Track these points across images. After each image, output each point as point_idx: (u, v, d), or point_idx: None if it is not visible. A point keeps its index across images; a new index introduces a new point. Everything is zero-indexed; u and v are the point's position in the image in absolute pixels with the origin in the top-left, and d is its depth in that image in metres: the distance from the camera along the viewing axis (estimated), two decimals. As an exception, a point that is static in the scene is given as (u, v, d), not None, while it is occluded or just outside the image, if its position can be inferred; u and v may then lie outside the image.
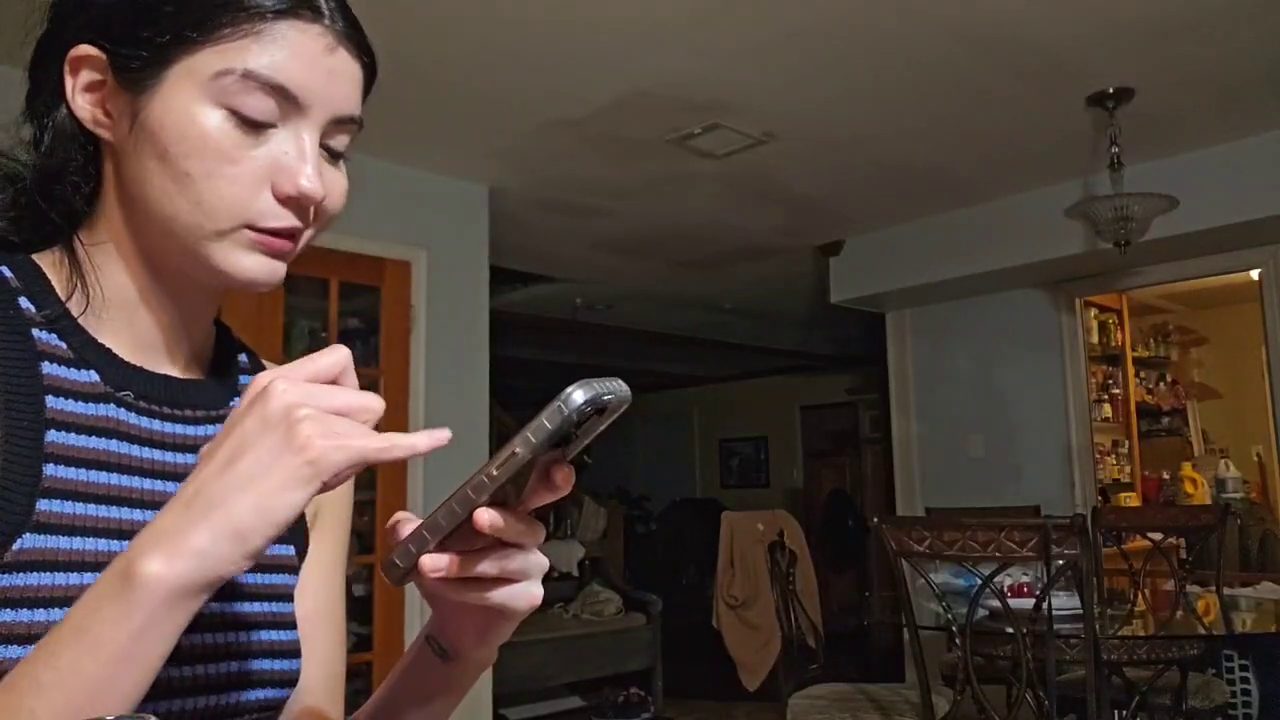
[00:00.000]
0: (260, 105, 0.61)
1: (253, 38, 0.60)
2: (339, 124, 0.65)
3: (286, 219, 0.63)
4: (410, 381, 3.68)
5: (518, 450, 0.51)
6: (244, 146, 0.61)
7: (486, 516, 0.53)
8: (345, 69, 0.65)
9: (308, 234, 0.66)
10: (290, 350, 3.51)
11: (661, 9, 2.63)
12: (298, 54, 0.61)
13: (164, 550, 0.49)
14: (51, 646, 0.50)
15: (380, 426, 0.55)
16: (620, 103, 3.23)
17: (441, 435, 0.53)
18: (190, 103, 0.61)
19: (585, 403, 0.50)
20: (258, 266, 0.64)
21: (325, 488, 0.51)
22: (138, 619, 0.49)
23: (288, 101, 0.62)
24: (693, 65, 2.97)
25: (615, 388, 0.52)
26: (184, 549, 0.49)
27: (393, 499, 3.51)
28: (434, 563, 0.55)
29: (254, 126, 0.61)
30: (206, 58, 0.60)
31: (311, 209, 0.64)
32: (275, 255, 0.64)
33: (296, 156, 0.62)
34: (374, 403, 0.53)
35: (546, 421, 0.50)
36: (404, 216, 3.73)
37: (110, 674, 0.49)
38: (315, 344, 3.60)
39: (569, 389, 0.50)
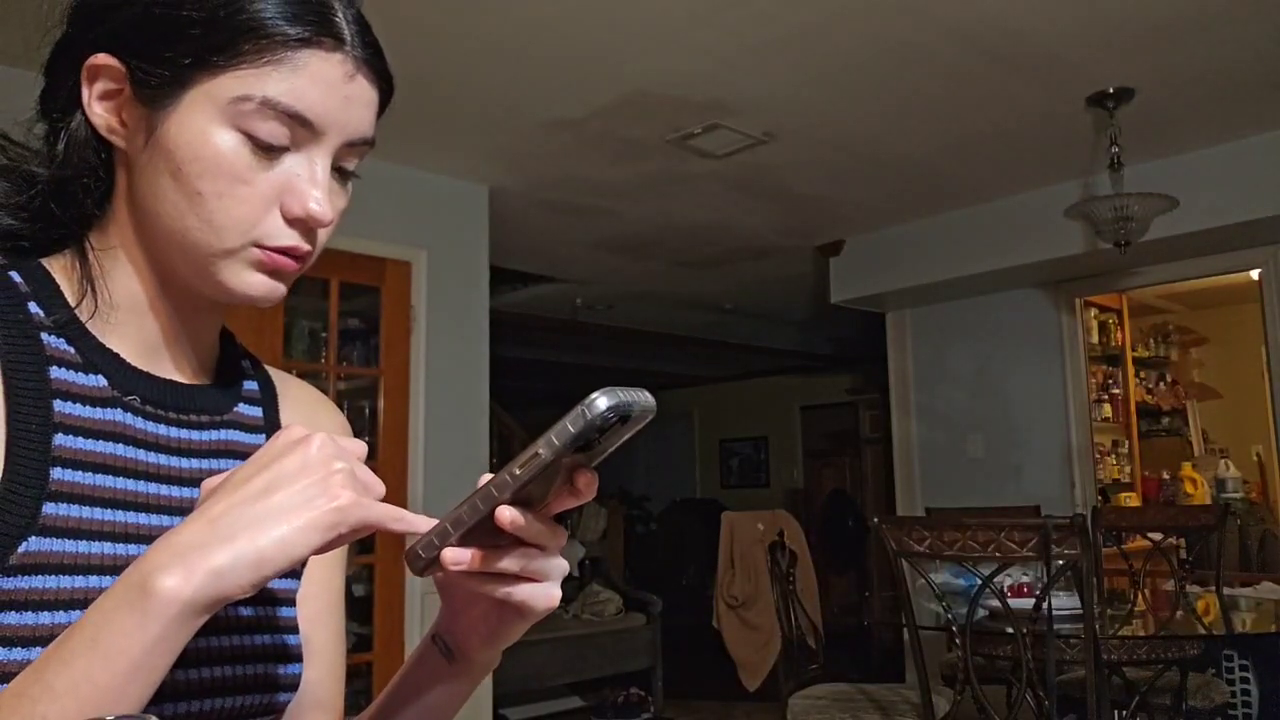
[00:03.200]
0: (276, 130, 0.61)
1: (273, 65, 0.61)
2: (351, 146, 0.66)
3: (292, 239, 0.64)
4: (410, 381, 3.68)
5: (540, 451, 0.52)
6: (257, 168, 0.62)
7: (508, 514, 0.54)
8: (362, 95, 0.65)
9: (311, 258, 0.67)
10: (290, 350, 3.51)
11: (661, 9, 2.63)
12: (317, 82, 0.62)
13: (182, 566, 0.51)
14: (64, 654, 0.51)
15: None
16: (620, 103, 3.23)
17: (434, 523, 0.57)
18: (206, 124, 0.61)
19: (609, 409, 0.51)
20: (260, 285, 0.65)
21: (335, 542, 0.54)
22: (152, 631, 0.50)
23: (303, 127, 0.62)
24: (693, 65, 2.97)
25: (640, 398, 0.53)
26: (202, 567, 0.51)
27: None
28: (456, 556, 0.56)
29: (268, 150, 0.62)
30: (226, 82, 0.61)
31: (319, 231, 0.65)
32: (278, 275, 0.65)
33: (308, 180, 0.63)
34: (380, 487, 0.57)
35: (570, 425, 0.51)
36: (404, 216, 3.73)
37: (121, 683, 0.50)
38: (315, 344, 3.60)
39: (594, 395, 0.51)
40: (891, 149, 3.74)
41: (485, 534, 0.56)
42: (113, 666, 0.50)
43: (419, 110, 3.24)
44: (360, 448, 0.58)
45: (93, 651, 0.50)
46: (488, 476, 0.55)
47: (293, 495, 0.53)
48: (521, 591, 0.59)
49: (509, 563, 0.58)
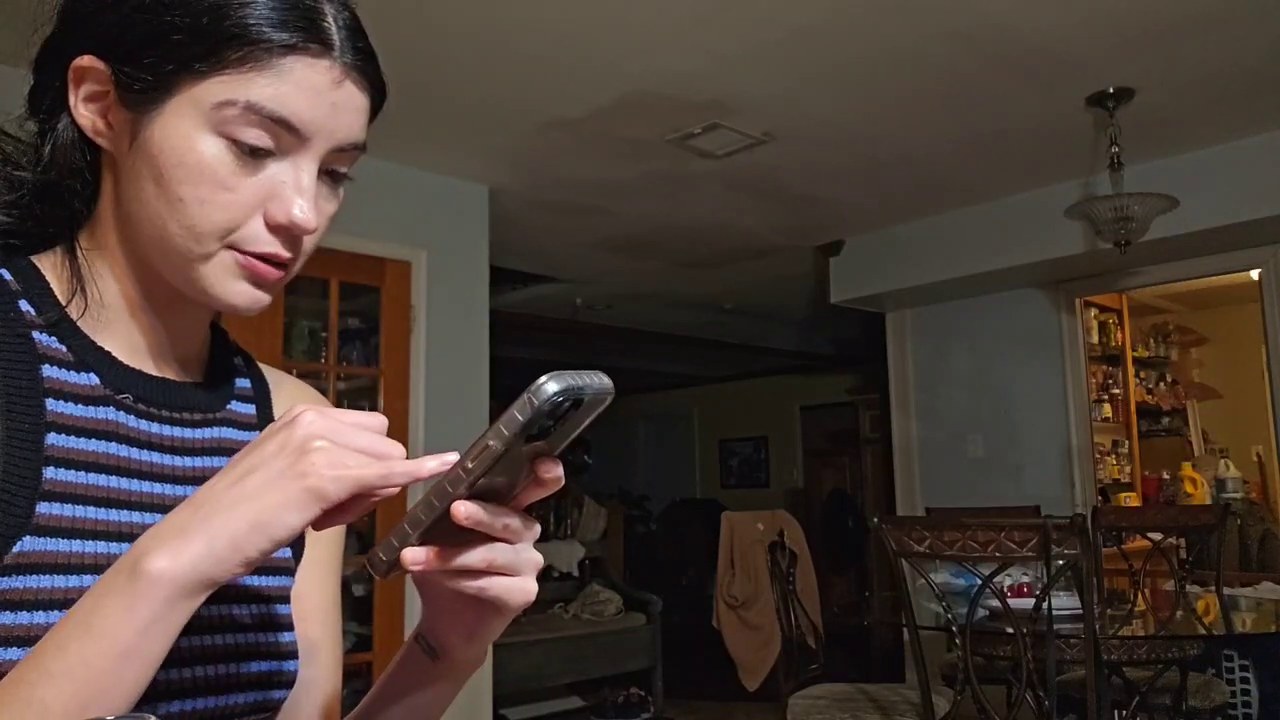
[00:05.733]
0: (260, 136, 0.61)
1: (258, 70, 0.60)
2: (341, 151, 0.65)
3: (273, 245, 0.63)
4: (410, 381, 3.68)
5: (490, 443, 0.50)
6: (240, 174, 0.61)
7: (463, 509, 0.53)
8: (351, 101, 0.64)
9: (295, 266, 0.66)
10: (290, 350, 3.51)
11: (661, 9, 2.63)
12: (303, 88, 0.61)
13: (169, 548, 0.51)
14: (58, 639, 0.51)
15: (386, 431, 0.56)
16: (620, 103, 3.23)
17: (450, 457, 0.54)
18: (191, 130, 0.60)
19: (557, 394, 0.49)
20: (241, 293, 0.64)
21: (331, 518, 0.53)
22: (143, 613, 0.51)
23: (289, 133, 0.62)
24: (693, 65, 2.97)
25: (592, 380, 0.51)
26: (186, 550, 0.51)
27: (392, 501, 3.51)
28: (414, 556, 0.55)
29: (253, 155, 0.61)
30: (210, 87, 0.60)
31: (303, 239, 0.65)
32: (260, 283, 0.65)
33: (293, 187, 0.63)
34: (395, 450, 0.55)
35: (517, 413, 0.49)
36: (404, 216, 3.73)
37: (116, 667, 0.50)
38: (315, 344, 3.60)
39: (540, 379, 0.49)
40: (891, 149, 3.74)
41: (451, 531, 0.55)
42: (106, 650, 0.50)
43: (419, 110, 3.24)
44: (369, 419, 0.56)
45: (86, 635, 0.50)
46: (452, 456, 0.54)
47: (266, 478, 0.53)
48: (495, 586, 0.58)
49: (474, 558, 0.56)
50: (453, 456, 0.54)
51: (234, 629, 0.69)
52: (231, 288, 0.64)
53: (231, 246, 0.63)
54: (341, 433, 0.54)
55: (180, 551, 0.51)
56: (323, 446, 0.53)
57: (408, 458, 0.55)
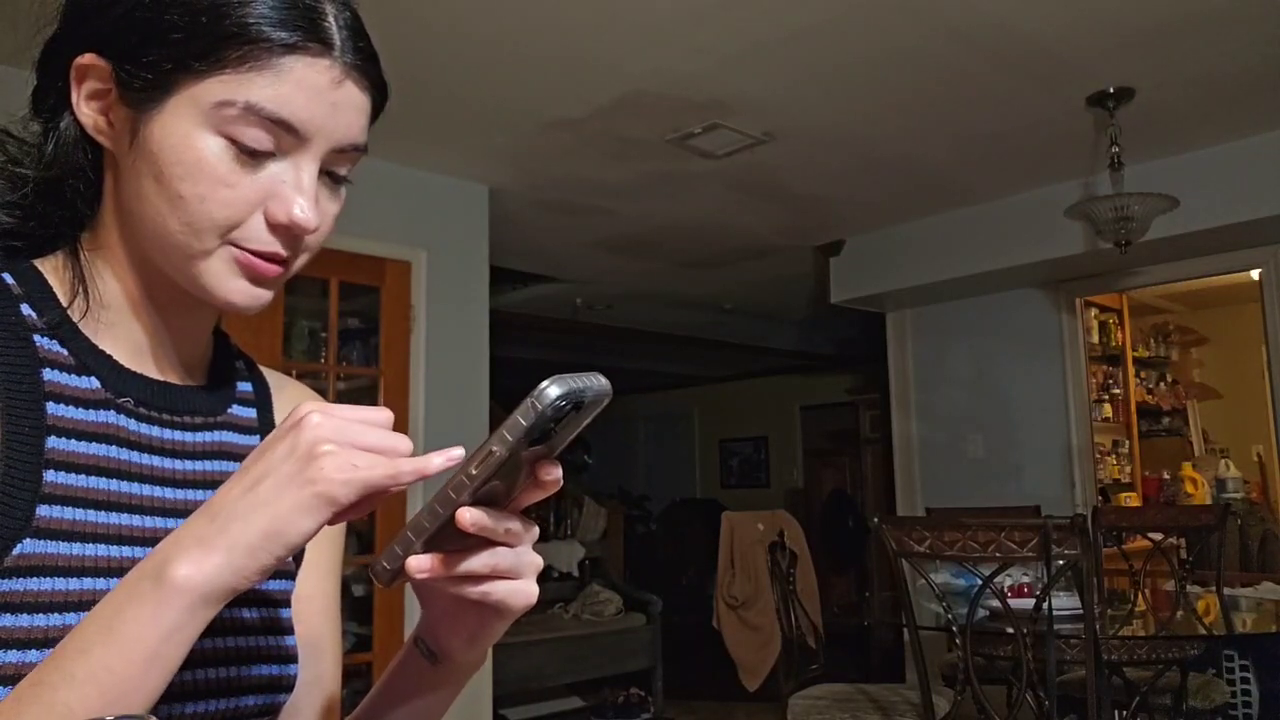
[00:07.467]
0: (260, 136, 0.61)
1: (257, 70, 0.60)
2: (342, 152, 0.65)
3: (271, 244, 0.63)
4: (410, 381, 3.68)
5: (494, 449, 0.51)
6: (241, 171, 0.61)
7: (469, 515, 0.54)
8: (351, 101, 0.64)
9: (296, 264, 0.66)
10: (290, 350, 3.51)
11: (661, 9, 2.63)
12: (303, 88, 0.61)
13: (191, 557, 0.52)
14: (80, 644, 0.52)
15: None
16: (620, 103, 3.23)
17: (455, 453, 0.54)
18: (190, 129, 0.60)
19: (559, 398, 0.50)
20: (240, 290, 0.64)
21: (342, 516, 0.54)
22: (168, 620, 0.51)
23: (289, 134, 0.61)
24: (693, 65, 2.97)
25: (592, 382, 0.52)
26: (208, 559, 0.52)
27: (391, 500, 3.51)
28: (419, 564, 0.56)
29: (253, 154, 0.61)
30: (210, 86, 0.60)
31: (305, 238, 0.64)
32: (260, 281, 0.64)
33: (293, 186, 0.62)
34: (403, 445, 0.56)
35: (521, 419, 0.50)
36: (404, 216, 3.73)
37: (140, 672, 0.51)
38: (315, 344, 3.60)
39: (543, 384, 0.50)
40: (891, 149, 3.74)
41: (452, 537, 0.55)
42: (130, 655, 0.51)
43: (419, 110, 3.24)
44: (375, 414, 0.56)
45: (109, 641, 0.51)
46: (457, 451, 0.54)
47: (276, 484, 0.53)
48: (498, 590, 0.59)
49: (477, 563, 0.57)
50: (458, 451, 0.54)
51: (242, 632, 0.69)
52: (231, 284, 0.64)
53: (232, 243, 0.63)
54: (348, 432, 0.54)
55: (202, 561, 0.52)
56: (330, 450, 0.53)
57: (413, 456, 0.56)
